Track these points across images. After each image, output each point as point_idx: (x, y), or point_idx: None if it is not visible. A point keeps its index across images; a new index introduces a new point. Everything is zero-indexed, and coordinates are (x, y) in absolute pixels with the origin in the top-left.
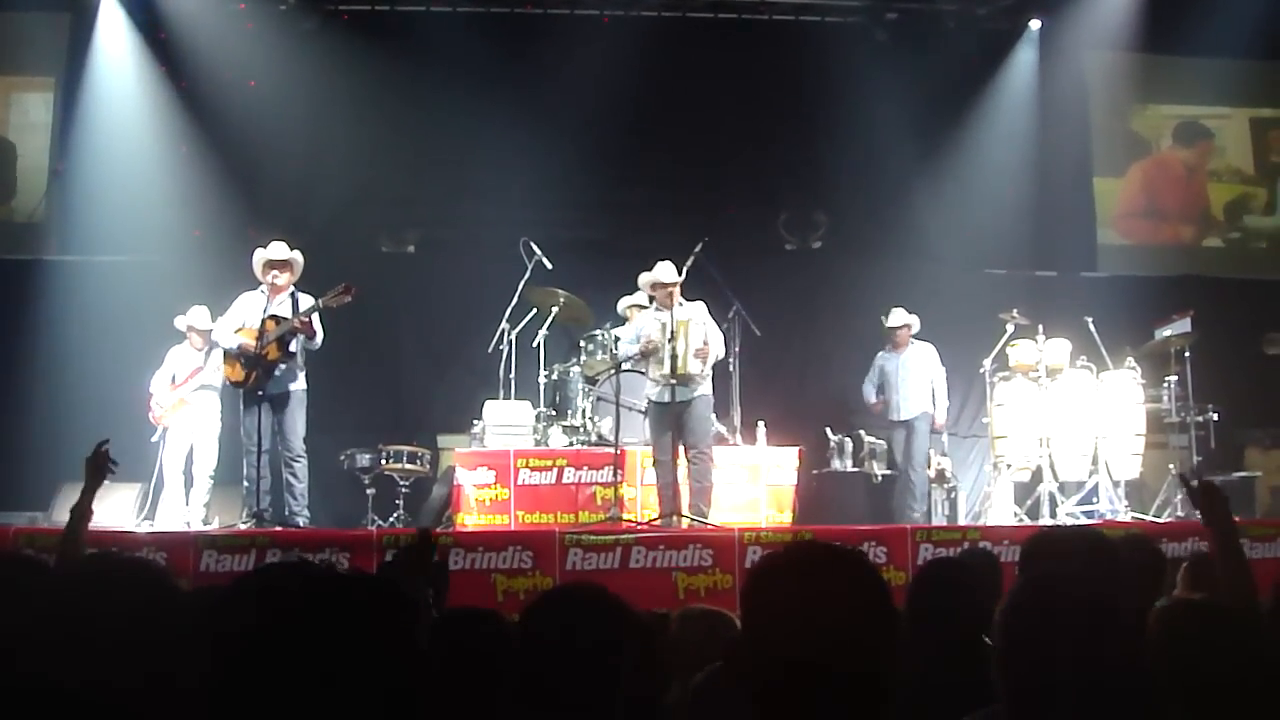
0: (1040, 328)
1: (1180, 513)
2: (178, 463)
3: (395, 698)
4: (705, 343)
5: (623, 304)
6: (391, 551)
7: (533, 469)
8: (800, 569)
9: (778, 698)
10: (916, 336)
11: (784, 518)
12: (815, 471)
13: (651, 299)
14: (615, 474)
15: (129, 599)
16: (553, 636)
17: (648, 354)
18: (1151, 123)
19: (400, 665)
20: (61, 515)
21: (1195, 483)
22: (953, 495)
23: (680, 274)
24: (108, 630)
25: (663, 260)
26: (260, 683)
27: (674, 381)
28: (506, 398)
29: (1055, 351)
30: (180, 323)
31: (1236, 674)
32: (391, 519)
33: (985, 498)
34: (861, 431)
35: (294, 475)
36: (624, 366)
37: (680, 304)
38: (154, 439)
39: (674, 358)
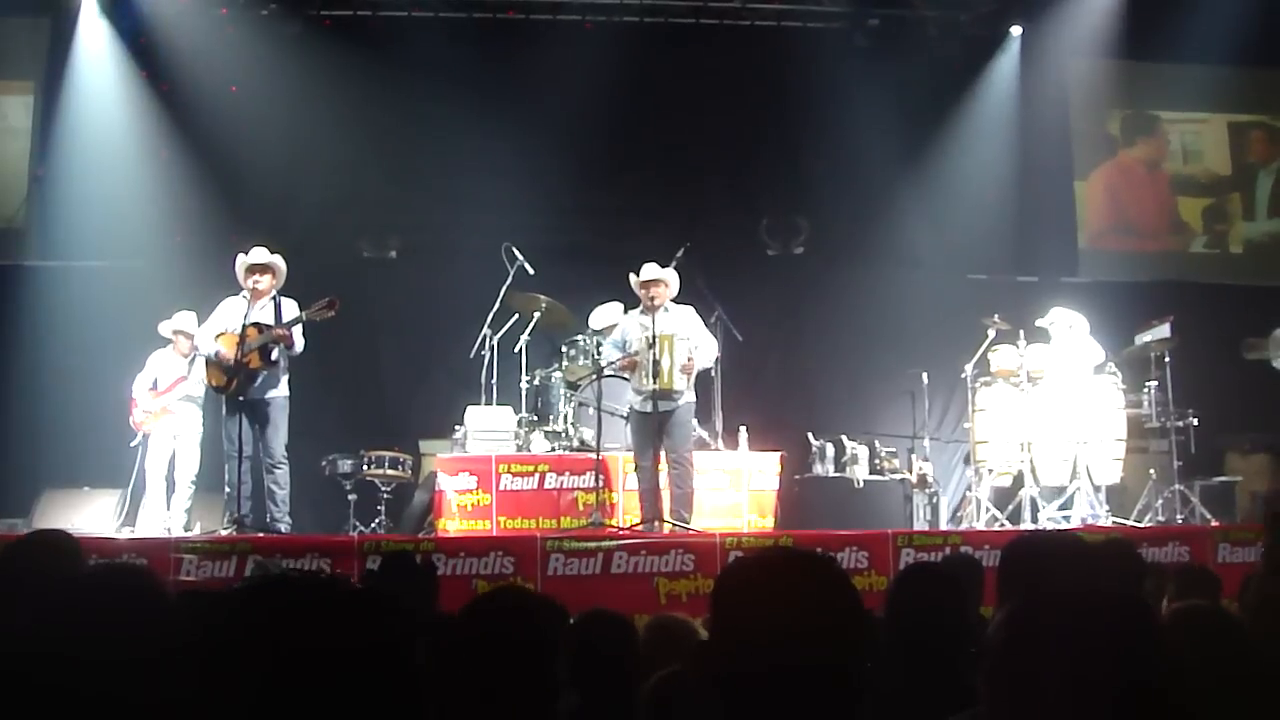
0: (1021, 333)
1: (1161, 517)
2: (160, 468)
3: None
4: (690, 358)
5: (595, 319)
6: (373, 558)
7: (514, 474)
8: (769, 572)
9: (747, 697)
10: None
11: (766, 523)
12: (797, 476)
13: (639, 303)
14: (597, 479)
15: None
16: (483, 640)
17: (631, 370)
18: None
19: (399, 681)
20: (43, 522)
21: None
22: (934, 500)
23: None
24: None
25: (648, 264)
26: (251, 696)
27: (656, 391)
28: (488, 403)
29: (1036, 357)
30: (165, 328)
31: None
32: (373, 524)
33: (967, 503)
34: (843, 436)
35: (275, 481)
36: (605, 372)
37: (666, 309)
38: (133, 444)
39: (655, 364)
